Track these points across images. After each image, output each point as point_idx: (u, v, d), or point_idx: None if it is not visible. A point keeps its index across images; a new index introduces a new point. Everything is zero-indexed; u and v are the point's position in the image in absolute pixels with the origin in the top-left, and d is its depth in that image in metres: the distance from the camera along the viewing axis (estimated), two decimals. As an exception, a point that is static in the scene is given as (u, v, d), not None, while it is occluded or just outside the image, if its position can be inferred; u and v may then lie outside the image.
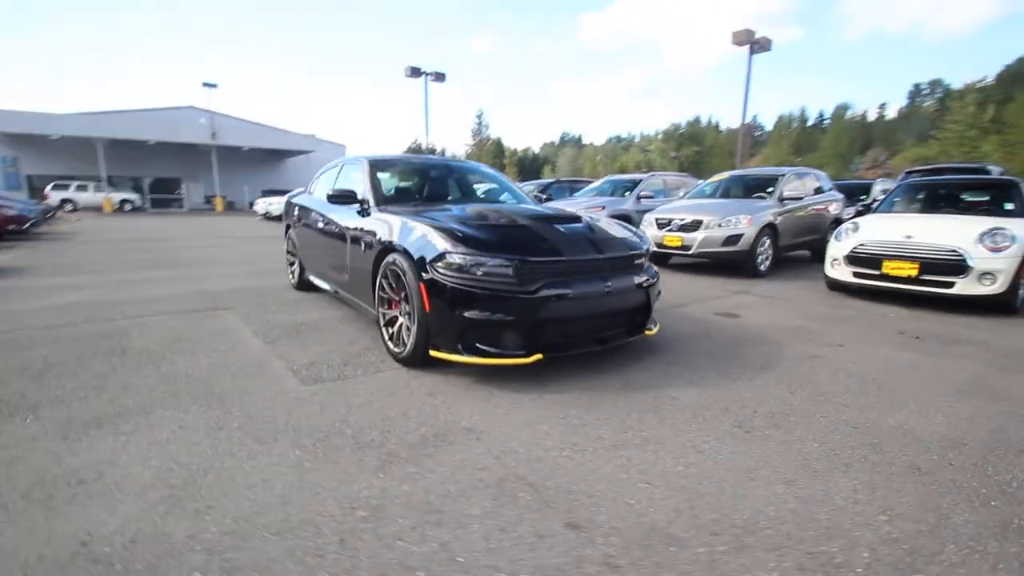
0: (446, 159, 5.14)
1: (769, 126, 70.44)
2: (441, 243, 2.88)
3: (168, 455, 2.11)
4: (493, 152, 54.93)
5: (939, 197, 6.19)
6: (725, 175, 8.72)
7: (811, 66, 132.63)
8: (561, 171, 64.60)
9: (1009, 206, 5.49)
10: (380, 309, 3.40)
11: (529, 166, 72.80)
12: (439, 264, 2.84)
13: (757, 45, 15.81)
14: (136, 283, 6.00)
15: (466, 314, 2.76)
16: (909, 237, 5.12)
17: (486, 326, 2.76)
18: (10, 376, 2.94)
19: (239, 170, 33.54)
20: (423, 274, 2.88)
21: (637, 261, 3.35)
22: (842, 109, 62.85)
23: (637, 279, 3.23)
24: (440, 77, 20.89)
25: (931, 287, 4.95)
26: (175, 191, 33.44)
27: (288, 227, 5.82)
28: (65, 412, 2.52)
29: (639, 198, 9.31)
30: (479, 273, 2.77)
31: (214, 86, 27.80)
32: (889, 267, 5.16)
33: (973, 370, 3.28)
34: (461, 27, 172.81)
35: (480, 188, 4.84)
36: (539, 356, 2.81)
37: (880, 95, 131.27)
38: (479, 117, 59.78)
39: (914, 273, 5.00)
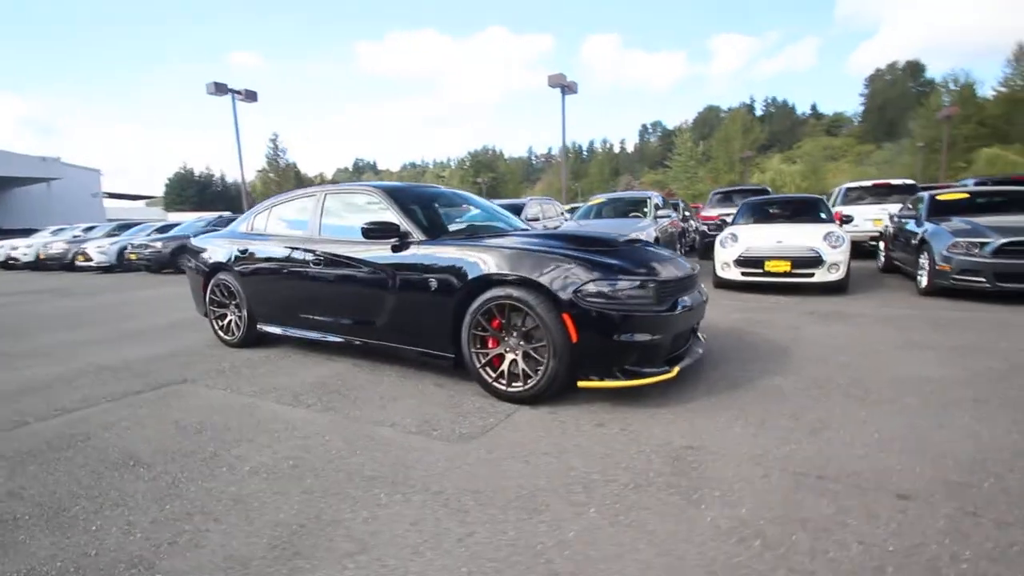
0: (437, 187, 4.84)
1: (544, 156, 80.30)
2: (583, 272, 2.84)
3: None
4: (294, 179, 49.95)
5: (769, 211, 8.21)
6: (602, 198, 9.93)
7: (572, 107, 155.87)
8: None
9: (823, 215, 7.64)
10: (472, 349, 3.12)
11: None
12: (584, 293, 2.80)
13: (567, 88, 18.23)
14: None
15: (620, 339, 2.79)
16: (780, 242, 6.71)
17: (637, 348, 2.83)
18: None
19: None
20: (566, 305, 2.80)
21: None
22: (602, 144, 75.64)
23: None
24: (251, 96, 18.48)
25: (799, 278, 6.56)
26: None
27: (209, 273, 4.69)
28: None
29: (527, 221, 9.88)
30: (624, 297, 2.83)
31: None
32: (770, 265, 6.66)
33: (894, 334, 4.56)
34: (222, 42, 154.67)
35: (476, 214, 4.69)
36: (677, 370, 2.99)
37: (621, 132, 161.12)
38: (274, 141, 52.73)
39: (787, 268, 6.57)
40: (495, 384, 3.05)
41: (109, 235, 15.36)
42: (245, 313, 4.43)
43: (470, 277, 3.08)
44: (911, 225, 7.20)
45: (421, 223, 3.56)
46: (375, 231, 3.40)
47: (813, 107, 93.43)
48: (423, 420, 2.83)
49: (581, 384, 2.86)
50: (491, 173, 60.33)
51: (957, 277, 5.70)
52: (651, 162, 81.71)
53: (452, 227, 4.01)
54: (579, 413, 2.85)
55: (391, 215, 3.59)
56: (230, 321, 4.64)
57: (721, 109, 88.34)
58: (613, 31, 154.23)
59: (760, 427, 2.61)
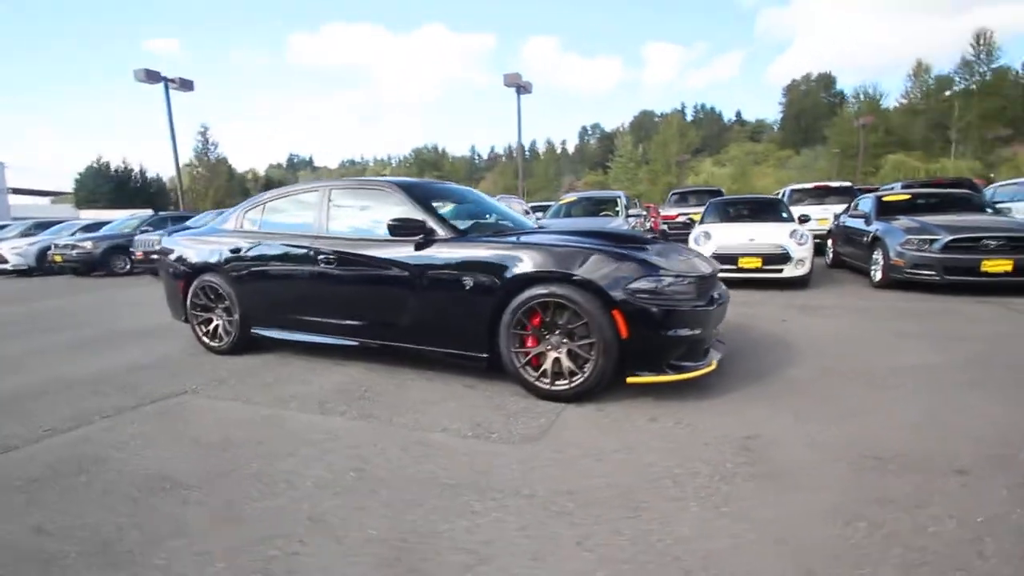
0: (447, 183, 4.67)
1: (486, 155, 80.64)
2: (633, 268, 2.85)
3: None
4: (227, 175, 46.52)
5: (735, 211, 8.64)
6: (573, 196, 10.06)
7: (506, 108, 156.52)
8: (301, 196, 59.97)
9: (784, 215, 8.13)
10: (512, 349, 3.05)
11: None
12: (635, 289, 2.81)
13: (522, 88, 18.33)
14: None
15: (669, 334, 2.83)
16: (752, 240, 7.07)
17: (683, 342, 2.88)
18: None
19: None
20: (616, 301, 2.80)
21: None
22: (546, 144, 76.83)
23: None
24: (187, 85, 17.06)
25: (769, 273, 6.94)
26: None
27: (191, 275, 4.31)
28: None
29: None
30: (671, 292, 2.87)
31: None
32: (743, 262, 7.00)
33: (871, 324, 4.92)
34: (137, 26, 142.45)
35: (486, 211, 4.57)
36: (715, 363, 3.07)
37: (562, 133, 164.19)
38: (203, 134, 47.77)
39: (759, 264, 6.93)
40: (537, 383, 3.00)
41: (25, 235, 13.75)
42: (237, 317, 4.09)
43: (510, 275, 3.02)
44: (860, 224, 7.82)
45: (446, 220, 3.44)
46: (401, 228, 3.25)
47: (738, 114, 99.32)
48: (473, 423, 2.73)
49: (631, 380, 2.88)
50: (436, 171, 59.57)
51: (910, 271, 6.25)
52: (591, 163, 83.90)
53: (472, 224, 3.89)
54: (626, 409, 2.86)
55: (412, 212, 3.44)
56: (217, 326, 4.27)
57: (655, 114, 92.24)
58: (552, 34, 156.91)
59: (799, 415, 2.73)
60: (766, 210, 8.38)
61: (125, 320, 6.10)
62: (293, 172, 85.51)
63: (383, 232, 3.56)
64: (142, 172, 47.59)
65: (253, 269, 4.00)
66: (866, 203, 8.14)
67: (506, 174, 61.98)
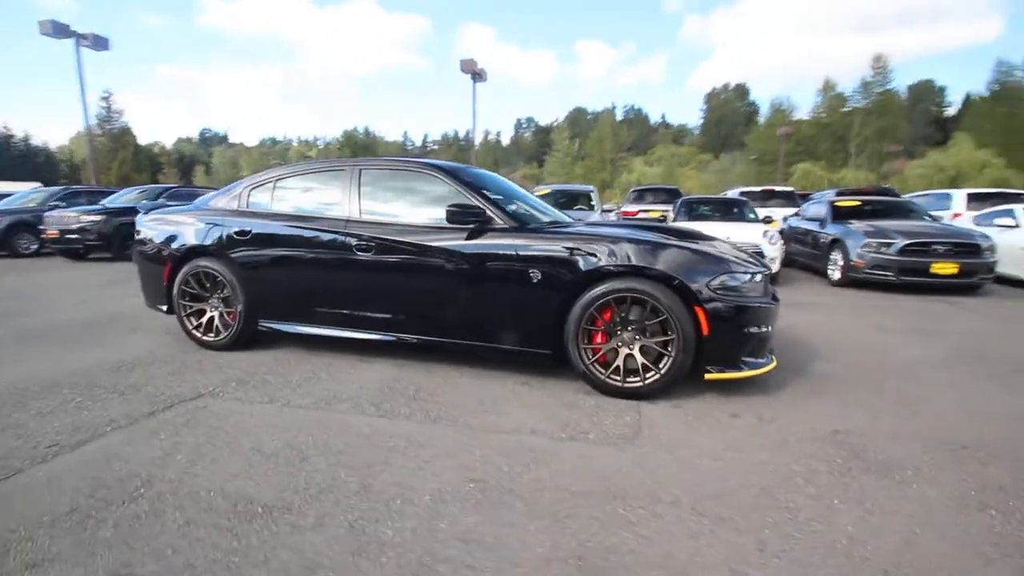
0: (484, 171, 4.34)
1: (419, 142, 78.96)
2: (714, 265, 2.83)
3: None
4: (132, 147, 41.02)
5: (706, 210, 9.01)
6: (547, 189, 9.97)
7: (449, 95, 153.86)
8: (218, 175, 55.15)
9: (751, 215, 8.58)
10: (581, 345, 2.94)
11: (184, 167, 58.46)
12: (717, 286, 2.79)
13: (477, 76, 17.98)
14: None
15: (748, 330, 2.84)
16: (728, 238, 7.38)
17: (756, 339, 2.91)
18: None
19: None
20: (700, 298, 2.76)
21: None
22: (483, 134, 76.35)
23: None
24: (101, 43, 14.85)
25: (744, 271, 7.31)
26: None
27: (180, 259, 3.76)
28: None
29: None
30: (746, 290, 2.88)
31: None
32: (721, 259, 7.31)
33: (855, 320, 5.30)
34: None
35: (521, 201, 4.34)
36: (776, 360, 3.13)
37: (497, 124, 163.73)
38: (106, 99, 41.49)
39: (736, 262, 7.28)
40: (608, 380, 2.91)
41: None
42: (241, 308, 3.63)
43: (585, 269, 2.89)
44: (816, 227, 8.44)
45: (504, 209, 3.24)
46: (460, 214, 3.02)
47: (663, 117, 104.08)
48: (560, 424, 2.59)
49: (709, 377, 2.86)
50: (369, 156, 57.11)
51: (869, 271, 6.84)
52: (527, 156, 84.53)
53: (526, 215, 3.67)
54: (702, 406, 2.85)
55: (466, 198, 3.20)
56: (211, 318, 3.77)
57: (588, 111, 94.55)
58: (489, 23, 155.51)
59: (863, 407, 2.86)
60: (734, 210, 8.81)
61: (65, 308, 5.25)
62: (206, 148, 78.49)
63: (429, 218, 3.31)
64: (26, 139, 41.41)
65: (265, 255, 3.56)
66: (820, 208, 8.79)
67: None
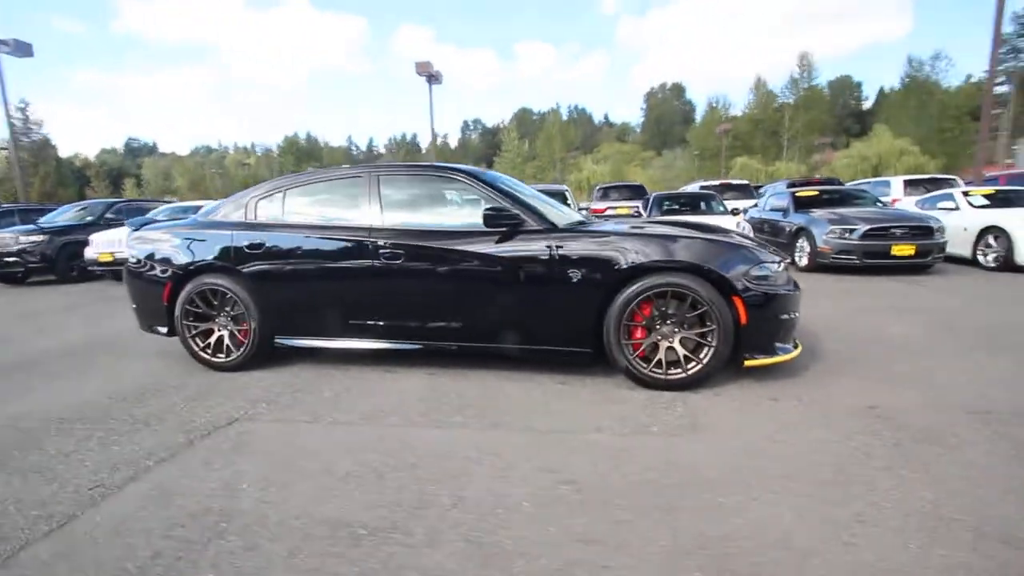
0: (499, 174, 4.28)
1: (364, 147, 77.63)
2: (749, 256, 2.95)
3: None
4: (56, 161, 37.37)
5: (679, 204, 9.33)
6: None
7: (396, 98, 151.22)
8: (150, 186, 51.66)
9: (721, 208, 8.96)
10: (623, 340, 3.00)
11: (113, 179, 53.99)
12: (753, 276, 2.91)
13: (433, 78, 17.81)
14: None
15: (781, 317, 2.98)
16: (706, 230, 7.70)
17: (786, 325, 3.06)
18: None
19: None
20: (738, 289, 2.87)
21: None
22: (434, 138, 75.87)
23: None
24: (23, 48, 13.51)
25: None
26: None
27: (183, 277, 3.53)
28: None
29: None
30: (776, 279, 3.02)
31: None
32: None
33: (833, 303, 5.64)
34: None
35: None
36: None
37: (443, 127, 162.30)
38: (23, 110, 37.58)
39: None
40: (651, 373, 2.98)
41: None
42: (254, 325, 3.45)
43: (625, 266, 2.94)
44: (779, 216, 8.92)
45: (536, 211, 3.24)
46: (497, 218, 3.02)
47: (606, 116, 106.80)
48: (617, 420, 2.63)
49: (748, 363, 2.98)
50: (314, 162, 55.26)
51: (835, 256, 7.30)
52: (475, 158, 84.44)
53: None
54: (742, 393, 2.96)
55: (498, 201, 3.19)
56: (219, 338, 3.56)
57: (533, 112, 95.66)
58: (427, 24, 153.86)
59: (883, 383, 3.06)
60: (704, 204, 9.18)
61: (29, 339, 4.81)
62: (133, 158, 73.47)
63: (459, 222, 3.28)
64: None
65: (282, 268, 3.40)
66: (781, 198, 9.30)
67: (392, 166, 59.89)
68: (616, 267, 2.96)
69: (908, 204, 9.73)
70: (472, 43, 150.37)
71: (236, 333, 3.53)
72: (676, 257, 2.92)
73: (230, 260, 3.44)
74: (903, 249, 6.97)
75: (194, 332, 3.58)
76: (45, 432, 2.65)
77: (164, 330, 3.67)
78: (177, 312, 3.56)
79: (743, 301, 2.88)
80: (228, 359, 3.54)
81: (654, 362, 3.00)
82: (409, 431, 2.57)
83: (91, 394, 3.19)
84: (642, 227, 3.34)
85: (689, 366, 2.96)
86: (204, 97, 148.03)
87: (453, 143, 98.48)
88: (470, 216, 3.31)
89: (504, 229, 3.10)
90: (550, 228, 3.15)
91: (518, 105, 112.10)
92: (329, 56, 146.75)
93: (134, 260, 3.71)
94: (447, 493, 1.99)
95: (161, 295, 3.59)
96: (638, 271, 2.96)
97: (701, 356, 2.95)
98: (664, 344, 3.00)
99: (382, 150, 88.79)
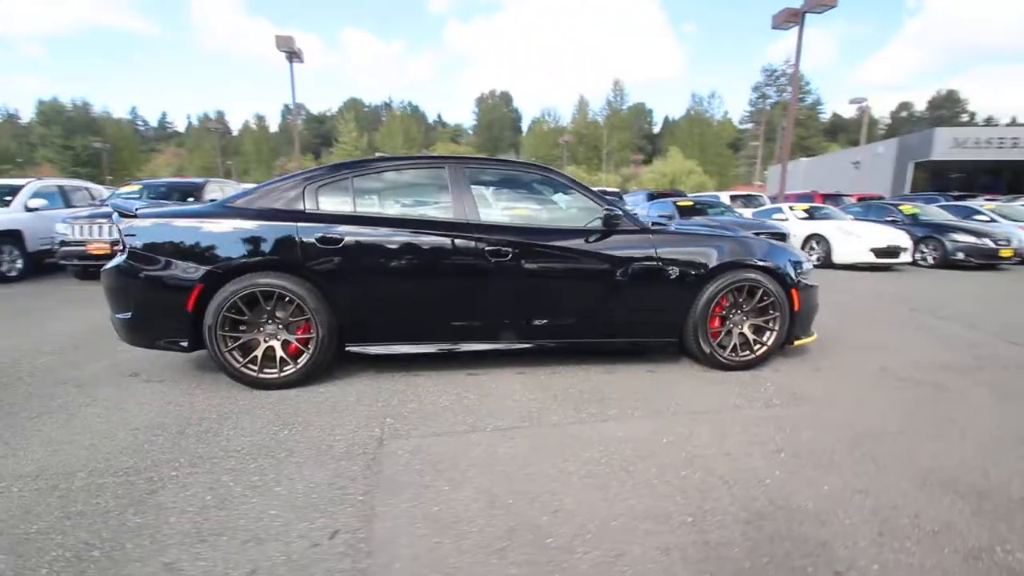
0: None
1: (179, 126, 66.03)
2: (797, 254, 3.57)
3: None
4: None
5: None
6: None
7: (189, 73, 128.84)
8: None
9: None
10: (710, 328, 3.39)
11: None
12: (801, 271, 3.54)
13: (294, 55, 16.02)
14: None
15: (813, 303, 3.68)
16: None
17: (816, 310, 3.77)
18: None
19: None
20: (795, 282, 3.47)
21: None
22: (256, 120, 67.32)
23: None
24: None
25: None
26: None
27: (222, 277, 2.86)
28: None
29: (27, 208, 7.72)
30: (808, 272, 3.70)
31: None
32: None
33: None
34: None
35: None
36: (810, 331, 4.06)
37: (257, 109, 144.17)
38: None
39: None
40: (726, 358, 3.42)
41: None
42: (323, 333, 2.95)
43: (715, 264, 3.33)
44: (665, 222, 10.36)
45: (627, 212, 3.42)
46: (614, 219, 3.19)
47: (439, 116, 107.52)
48: (740, 396, 3.01)
49: (796, 343, 3.61)
50: (95, 138, 44.04)
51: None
52: (300, 146, 77.57)
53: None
54: (792, 367, 3.59)
55: (590, 201, 3.32)
56: (266, 350, 2.97)
57: (365, 104, 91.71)
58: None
59: (874, 349, 3.99)
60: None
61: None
62: None
63: (559, 220, 3.32)
64: None
65: (365, 266, 2.98)
66: (666, 206, 10.80)
67: (203, 149, 51.34)
68: (707, 264, 3.33)
69: (747, 214, 12.10)
70: (291, 22, 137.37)
71: (296, 342, 2.99)
72: (755, 255, 3.42)
73: (295, 257, 2.90)
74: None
75: (231, 345, 2.92)
76: (156, 485, 1.97)
77: (185, 343, 2.91)
78: (210, 321, 2.86)
79: (797, 292, 3.50)
80: (282, 374, 2.97)
81: (731, 348, 3.45)
82: (582, 428, 2.56)
83: (144, 427, 2.40)
84: (721, 229, 3.79)
85: (756, 348, 3.49)
86: None
87: (273, 127, 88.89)
88: (565, 213, 3.36)
89: (607, 227, 3.24)
90: (643, 228, 3.38)
91: (347, 95, 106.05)
92: (102, 11, 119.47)
93: (135, 255, 2.85)
94: (710, 476, 2.11)
95: (184, 300, 2.85)
96: (724, 268, 3.37)
97: (765, 339, 3.49)
98: (736, 331, 3.48)
99: (179, 128, 76.06)
